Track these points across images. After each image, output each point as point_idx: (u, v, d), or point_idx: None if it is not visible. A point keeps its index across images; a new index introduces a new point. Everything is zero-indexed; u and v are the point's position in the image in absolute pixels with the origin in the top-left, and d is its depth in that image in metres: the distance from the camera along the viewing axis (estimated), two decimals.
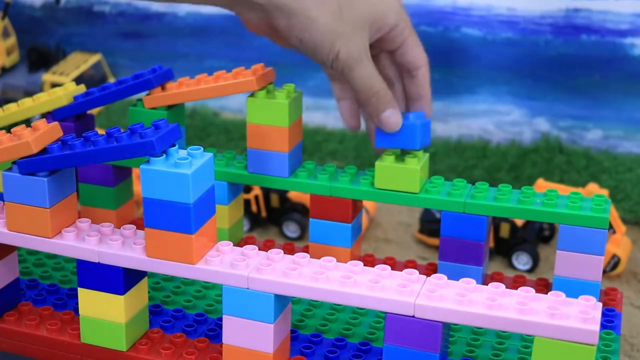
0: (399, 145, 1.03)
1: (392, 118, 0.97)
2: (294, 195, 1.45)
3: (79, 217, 0.97)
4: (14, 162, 0.93)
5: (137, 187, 1.41)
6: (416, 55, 0.99)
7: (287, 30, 0.95)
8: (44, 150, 0.92)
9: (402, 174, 1.03)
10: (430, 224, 1.40)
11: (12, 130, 0.92)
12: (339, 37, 0.93)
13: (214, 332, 0.98)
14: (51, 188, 0.92)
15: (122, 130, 0.90)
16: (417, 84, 1.01)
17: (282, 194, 1.45)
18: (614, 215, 1.35)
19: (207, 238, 0.91)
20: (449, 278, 0.87)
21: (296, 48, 0.98)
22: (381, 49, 1.00)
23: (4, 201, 0.95)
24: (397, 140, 1.02)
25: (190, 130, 1.76)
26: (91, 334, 0.95)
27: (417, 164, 1.03)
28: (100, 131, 1.19)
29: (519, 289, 0.84)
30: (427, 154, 1.06)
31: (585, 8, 1.66)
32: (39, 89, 1.87)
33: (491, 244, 1.36)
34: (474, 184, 1.06)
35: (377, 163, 1.04)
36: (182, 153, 0.89)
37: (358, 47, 0.93)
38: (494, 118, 1.74)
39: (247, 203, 1.44)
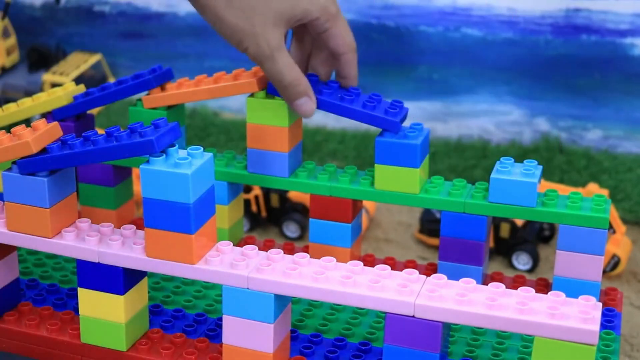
0: (400, 164, 1.03)
1: (304, 106, 1.01)
2: (294, 195, 1.45)
3: (79, 217, 0.97)
4: (14, 162, 0.93)
5: (137, 187, 1.41)
6: (339, 43, 1.02)
7: (201, 15, 0.99)
8: (44, 150, 0.92)
9: (402, 174, 1.04)
10: (430, 224, 1.40)
11: (12, 130, 0.93)
12: (246, 35, 0.96)
13: (214, 332, 0.98)
14: (51, 188, 0.92)
15: (121, 130, 0.90)
16: (342, 66, 1.05)
17: (282, 194, 1.45)
18: (614, 215, 1.35)
19: (207, 238, 0.91)
20: (449, 278, 0.87)
21: None
22: (305, 32, 1.05)
23: (4, 201, 0.95)
24: (397, 159, 1.03)
25: (190, 130, 1.76)
26: (91, 334, 0.95)
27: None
28: (100, 131, 1.19)
29: (519, 289, 0.84)
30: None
31: (585, 8, 1.66)
32: (39, 89, 1.87)
33: (491, 244, 1.36)
34: (474, 184, 1.06)
35: (376, 165, 1.04)
36: (182, 153, 0.89)
37: (268, 44, 0.97)
38: (494, 118, 1.74)
39: (247, 203, 1.44)
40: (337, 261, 0.89)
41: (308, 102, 1.01)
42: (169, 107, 1.12)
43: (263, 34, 0.96)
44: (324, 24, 1.00)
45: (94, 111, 1.77)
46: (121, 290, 0.92)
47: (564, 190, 1.35)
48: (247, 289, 0.88)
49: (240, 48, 0.98)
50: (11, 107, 1.12)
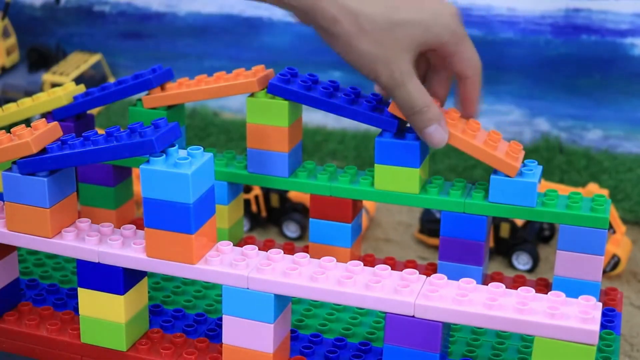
0: (400, 164, 1.03)
1: (435, 134, 0.97)
2: (294, 195, 1.45)
3: (79, 217, 0.97)
4: (14, 162, 0.93)
5: (137, 187, 1.41)
6: (465, 66, 0.99)
7: (330, 46, 0.96)
8: (44, 150, 0.92)
9: (402, 174, 1.04)
10: (430, 224, 1.40)
11: (11, 130, 0.93)
12: (379, 63, 0.94)
13: (214, 332, 0.98)
14: (51, 188, 0.92)
15: (121, 130, 0.90)
16: (465, 89, 1.01)
17: (282, 194, 1.45)
18: (614, 215, 1.35)
19: (207, 238, 0.91)
20: (449, 278, 0.87)
21: None
22: (421, 55, 1.01)
23: (4, 201, 0.95)
24: (397, 159, 1.03)
25: (190, 130, 1.76)
26: (91, 334, 0.95)
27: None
28: (100, 131, 1.19)
29: (519, 289, 0.84)
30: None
31: (585, 8, 1.66)
32: (39, 89, 1.87)
33: (491, 244, 1.36)
34: (474, 184, 1.07)
35: (376, 165, 1.04)
36: (182, 153, 0.89)
37: (400, 70, 0.94)
38: (494, 118, 1.74)
39: (247, 203, 1.44)
40: (337, 261, 0.89)
41: (439, 130, 0.97)
42: (169, 107, 1.12)
43: (396, 60, 0.93)
44: (453, 47, 0.97)
45: (94, 111, 1.77)
46: (121, 290, 0.92)
47: (564, 190, 1.34)
48: (247, 289, 0.88)
49: (372, 76, 0.95)
50: (11, 107, 1.12)
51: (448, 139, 0.98)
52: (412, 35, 0.94)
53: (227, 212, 1.12)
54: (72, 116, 1.12)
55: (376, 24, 0.93)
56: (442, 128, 0.97)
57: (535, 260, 1.35)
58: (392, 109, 1.01)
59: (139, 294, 0.95)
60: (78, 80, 1.84)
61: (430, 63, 1.03)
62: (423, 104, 0.96)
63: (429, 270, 1.12)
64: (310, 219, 1.09)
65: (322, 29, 0.94)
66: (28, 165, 0.91)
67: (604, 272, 1.31)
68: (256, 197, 1.44)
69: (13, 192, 0.93)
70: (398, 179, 1.04)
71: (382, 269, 0.88)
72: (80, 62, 1.92)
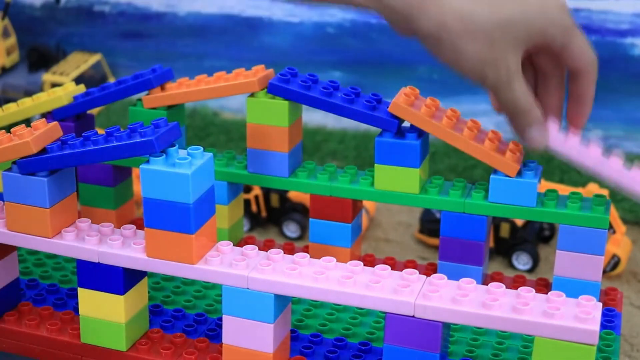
0: (400, 164, 1.03)
1: (536, 137, 0.96)
2: (294, 195, 1.45)
3: (79, 217, 0.97)
4: (14, 162, 0.93)
5: (137, 187, 1.41)
6: (578, 59, 0.95)
7: (434, 54, 0.93)
8: (44, 150, 0.92)
9: (402, 174, 1.04)
10: (430, 224, 1.40)
11: (12, 130, 0.93)
12: (485, 63, 0.91)
13: (214, 332, 0.98)
14: (51, 188, 0.92)
15: (121, 130, 0.90)
16: (579, 85, 0.98)
17: (282, 194, 1.45)
18: (614, 215, 1.35)
19: (207, 238, 0.91)
20: (449, 278, 0.87)
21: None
22: (541, 52, 0.97)
23: (4, 201, 0.95)
24: (397, 159, 1.03)
25: (190, 130, 1.76)
26: (91, 334, 0.95)
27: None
28: (100, 131, 1.19)
29: (519, 289, 0.84)
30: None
31: (585, 8, 1.66)
32: (39, 89, 1.87)
33: (491, 244, 1.36)
34: (474, 184, 1.07)
35: (376, 165, 1.04)
36: (182, 153, 0.89)
37: (507, 69, 0.92)
38: (494, 118, 1.74)
39: (247, 203, 1.44)
40: (337, 261, 0.89)
41: (539, 132, 0.95)
42: (169, 107, 1.12)
43: (503, 60, 0.91)
44: (563, 40, 0.93)
45: (94, 111, 1.77)
46: (121, 290, 0.92)
47: (564, 190, 1.34)
48: (247, 289, 0.88)
49: (478, 78, 0.93)
50: (11, 107, 1.12)
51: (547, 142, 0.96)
52: (519, 33, 0.91)
53: (227, 212, 1.12)
54: (72, 116, 1.12)
55: (482, 24, 0.90)
56: (543, 130, 0.96)
57: (535, 260, 1.35)
58: (392, 108, 1.01)
59: (139, 294, 0.95)
60: (78, 80, 1.84)
61: (540, 72, 0.99)
62: (526, 104, 0.94)
63: (429, 270, 1.12)
64: (310, 219, 1.09)
65: (426, 33, 0.91)
66: (28, 165, 0.91)
67: (604, 272, 1.31)
68: (256, 197, 1.44)
69: (13, 192, 0.93)
70: (398, 179, 1.04)
71: (382, 269, 0.88)
72: (80, 62, 1.92)
